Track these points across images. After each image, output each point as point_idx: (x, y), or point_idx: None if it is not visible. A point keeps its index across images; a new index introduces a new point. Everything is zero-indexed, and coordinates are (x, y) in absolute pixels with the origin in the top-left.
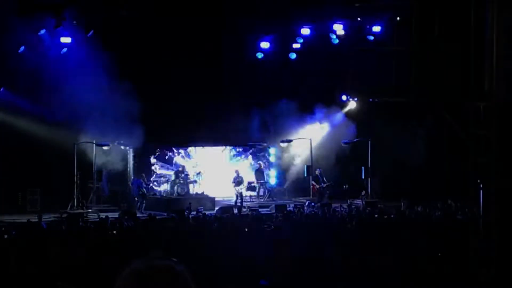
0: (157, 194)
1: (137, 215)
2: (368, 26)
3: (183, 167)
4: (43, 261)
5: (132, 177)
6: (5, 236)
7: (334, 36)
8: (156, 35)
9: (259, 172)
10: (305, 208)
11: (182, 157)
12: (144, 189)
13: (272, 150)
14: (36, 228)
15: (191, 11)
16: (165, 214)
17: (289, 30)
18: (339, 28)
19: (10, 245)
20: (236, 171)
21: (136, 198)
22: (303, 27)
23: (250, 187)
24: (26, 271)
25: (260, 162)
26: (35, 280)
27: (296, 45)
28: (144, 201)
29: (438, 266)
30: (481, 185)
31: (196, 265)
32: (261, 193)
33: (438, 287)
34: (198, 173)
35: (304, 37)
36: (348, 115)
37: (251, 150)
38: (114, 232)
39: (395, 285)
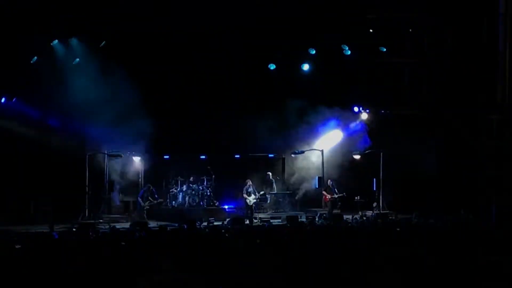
0: (169, 205)
1: (149, 226)
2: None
3: (194, 177)
4: (55, 271)
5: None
6: (17, 246)
7: (346, 48)
8: (167, 45)
9: (268, 183)
10: (317, 219)
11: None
12: (141, 199)
13: (283, 161)
14: (48, 238)
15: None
16: (176, 225)
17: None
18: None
19: (22, 255)
20: (248, 181)
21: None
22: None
23: (262, 198)
24: (37, 281)
25: (269, 172)
26: None
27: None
28: (144, 211)
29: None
30: (494, 197)
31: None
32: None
33: None
34: (210, 184)
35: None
36: (360, 126)
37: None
38: (124, 243)
39: None
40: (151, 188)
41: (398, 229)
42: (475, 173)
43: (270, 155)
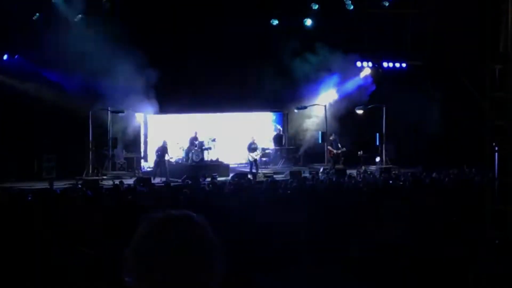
0: (173, 161)
1: (152, 182)
2: None
3: (196, 133)
4: (60, 226)
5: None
6: (23, 202)
7: (349, 2)
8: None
9: (278, 137)
10: (320, 174)
11: None
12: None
13: (287, 116)
14: (50, 194)
15: None
16: (180, 181)
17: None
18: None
19: (26, 210)
20: (252, 138)
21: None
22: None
23: (265, 154)
24: (43, 236)
25: (280, 127)
26: (54, 245)
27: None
28: (158, 169)
29: (454, 231)
30: (497, 148)
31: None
32: (278, 159)
33: (454, 251)
34: (213, 140)
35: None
36: (363, 80)
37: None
38: (129, 197)
39: (411, 250)
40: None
41: (401, 183)
42: (478, 124)
43: (273, 111)
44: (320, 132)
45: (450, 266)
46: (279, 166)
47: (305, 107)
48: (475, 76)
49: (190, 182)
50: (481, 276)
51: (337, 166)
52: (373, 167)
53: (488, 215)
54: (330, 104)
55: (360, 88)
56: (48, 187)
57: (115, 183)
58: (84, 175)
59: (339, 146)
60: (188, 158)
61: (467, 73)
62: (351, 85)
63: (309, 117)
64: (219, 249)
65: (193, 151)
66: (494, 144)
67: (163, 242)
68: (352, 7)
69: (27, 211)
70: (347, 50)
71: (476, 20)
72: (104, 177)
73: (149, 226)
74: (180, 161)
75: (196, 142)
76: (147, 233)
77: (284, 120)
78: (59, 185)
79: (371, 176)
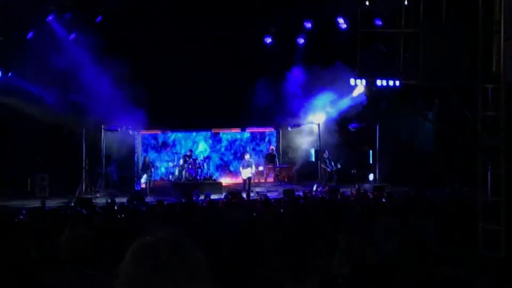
0: (165, 179)
1: (146, 200)
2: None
3: (191, 151)
4: (52, 245)
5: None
6: (15, 220)
7: (341, 21)
8: (160, 19)
9: (270, 157)
10: (313, 192)
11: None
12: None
13: (279, 134)
14: (42, 212)
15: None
16: (173, 199)
17: (293, 22)
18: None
19: (19, 229)
20: (244, 155)
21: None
22: (306, 21)
23: (259, 171)
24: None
25: (273, 147)
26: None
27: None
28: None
29: (446, 249)
30: (489, 168)
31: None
32: (270, 178)
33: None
34: (206, 158)
35: (310, 26)
36: (356, 99)
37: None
38: (123, 215)
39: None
40: (147, 159)
41: (394, 201)
42: (471, 144)
43: (267, 129)
44: (314, 150)
45: (441, 285)
46: (272, 185)
47: (299, 125)
48: (467, 95)
49: (183, 200)
50: None
51: (330, 184)
52: (366, 185)
53: (481, 234)
54: (324, 122)
55: (353, 106)
56: (40, 205)
57: (108, 201)
58: (77, 193)
59: (332, 164)
60: (181, 176)
61: (459, 93)
62: (344, 103)
63: (302, 135)
64: (205, 269)
65: (186, 169)
66: (486, 163)
67: (149, 267)
68: (345, 26)
69: (19, 230)
70: (340, 68)
71: (468, 40)
72: (98, 195)
73: (135, 252)
74: (172, 179)
75: (190, 160)
76: (133, 259)
77: (277, 137)
78: (52, 203)
79: (364, 194)
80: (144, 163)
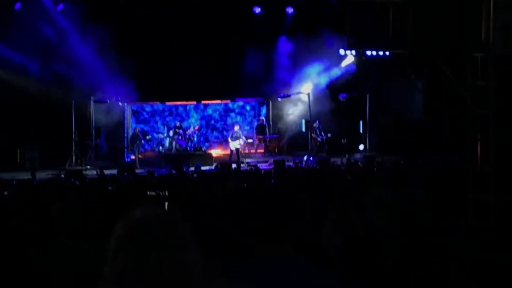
0: (155, 150)
1: (136, 172)
2: None
3: (181, 122)
4: (43, 218)
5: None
6: (5, 193)
7: None
8: None
9: (260, 127)
10: (303, 162)
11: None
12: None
13: (269, 105)
14: (33, 185)
15: None
16: (164, 170)
17: None
18: None
19: (9, 201)
20: (234, 126)
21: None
22: None
23: (248, 143)
24: (26, 228)
25: (263, 117)
26: (36, 237)
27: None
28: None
29: (437, 219)
30: (479, 137)
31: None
32: (261, 149)
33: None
34: (197, 129)
35: None
36: (346, 69)
37: (249, 105)
38: (113, 187)
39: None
40: (138, 132)
41: (384, 171)
42: (460, 113)
43: (256, 99)
44: (303, 120)
45: (432, 254)
46: (262, 155)
47: (289, 95)
48: (456, 65)
49: (174, 171)
50: (463, 264)
51: (321, 154)
52: (357, 155)
53: (470, 204)
54: (313, 92)
55: (343, 75)
56: (31, 177)
57: (98, 173)
58: (67, 165)
59: (323, 134)
60: (172, 147)
61: (449, 62)
62: (334, 73)
63: (292, 105)
64: (194, 246)
65: (176, 140)
66: (476, 133)
67: (136, 245)
68: None
69: (9, 202)
70: (330, 38)
71: (457, 9)
72: (88, 167)
73: (126, 228)
74: (163, 151)
75: (180, 131)
76: (120, 237)
77: (267, 108)
78: (42, 175)
79: (355, 164)
80: (133, 134)
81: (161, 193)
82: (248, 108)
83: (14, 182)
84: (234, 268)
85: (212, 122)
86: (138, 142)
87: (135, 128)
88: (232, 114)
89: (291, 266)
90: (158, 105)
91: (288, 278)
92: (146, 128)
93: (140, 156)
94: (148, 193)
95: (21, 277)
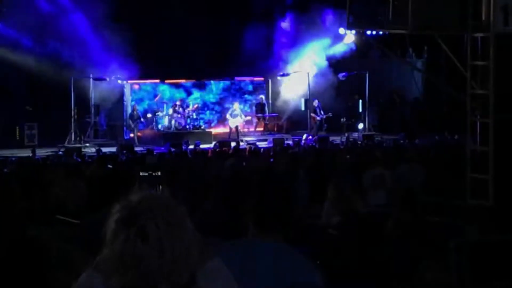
0: (155, 128)
1: (135, 149)
2: None
3: (182, 100)
4: (41, 195)
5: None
6: (5, 170)
7: None
8: None
9: (259, 106)
10: (302, 141)
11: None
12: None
13: (269, 83)
14: (32, 162)
15: None
16: (163, 148)
17: None
18: None
19: (8, 179)
20: (235, 104)
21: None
22: None
23: (248, 121)
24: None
25: (262, 96)
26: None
27: None
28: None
29: (435, 198)
30: (478, 117)
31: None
32: (260, 127)
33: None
34: (196, 108)
35: None
36: (345, 47)
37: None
38: (112, 165)
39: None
40: (135, 111)
41: (383, 150)
42: (460, 93)
43: (256, 78)
44: (303, 99)
45: (431, 234)
46: (261, 134)
47: (288, 74)
48: (456, 44)
49: (173, 149)
50: (462, 243)
51: (320, 133)
52: (356, 134)
53: (469, 183)
54: (313, 71)
55: (342, 54)
56: (31, 155)
57: (97, 150)
58: (66, 143)
59: (322, 112)
60: (171, 125)
61: (449, 41)
62: (333, 51)
63: (292, 84)
64: (191, 227)
65: (175, 118)
66: (475, 112)
67: (133, 229)
68: None
69: (8, 179)
70: (330, 16)
71: None
72: (87, 144)
73: (122, 211)
74: (162, 129)
75: (179, 110)
76: (117, 221)
77: (266, 87)
78: (41, 152)
79: (354, 142)
80: (132, 111)
81: (153, 173)
82: (247, 86)
83: (13, 159)
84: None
85: (212, 100)
86: (137, 119)
87: (133, 105)
88: (231, 92)
89: (275, 254)
90: (157, 84)
91: (266, 266)
92: (146, 106)
93: (139, 134)
94: (140, 173)
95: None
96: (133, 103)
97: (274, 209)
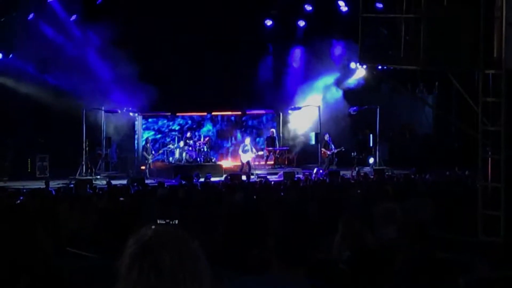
0: (166, 161)
1: (146, 182)
2: None
3: (192, 133)
4: (53, 226)
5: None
6: (17, 201)
7: (342, 4)
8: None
9: (270, 140)
10: (313, 175)
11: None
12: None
13: (280, 117)
14: (45, 193)
15: None
16: (174, 181)
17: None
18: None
19: (20, 210)
20: (244, 139)
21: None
22: (306, 4)
23: (259, 155)
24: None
25: (273, 129)
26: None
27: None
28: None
29: (446, 233)
30: (490, 153)
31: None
32: (271, 161)
33: (445, 253)
34: (207, 140)
35: (310, 9)
36: (356, 82)
37: (261, 118)
38: (123, 198)
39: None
40: (148, 143)
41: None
42: (471, 129)
43: (267, 111)
44: (314, 133)
45: (442, 269)
46: (272, 167)
47: (299, 108)
48: (468, 80)
49: (184, 182)
50: (472, 280)
51: (330, 167)
52: (366, 168)
53: (480, 219)
54: (324, 105)
55: (354, 89)
56: (44, 186)
57: (108, 183)
58: (77, 175)
59: (333, 146)
60: (182, 158)
61: (460, 77)
62: (344, 85)
63: (302, 117)
64: (204, 263)
65: (186, 151)
66: (486, 148)
67: (147, 263)
68: (346, 9)
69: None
70: (341, 51)
71: (469, 26)
72: (98, 176)
73: (136, 246)
74: (173, 161)
75: (190, 142)
76: (131, 255)
77: (277, 120)
78: (52, 184)
79: (364, 176)
80: (145, 144)
81: (170, 222)
82: (258, 120)
83: (24, 190)
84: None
85: (223, 133)
86: (150, 152)
87: (147, 138)
88: (242, 126)
89: None
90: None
91: None
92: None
93: (150, 166)
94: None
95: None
96: (146, 135)
97: (296, 244)
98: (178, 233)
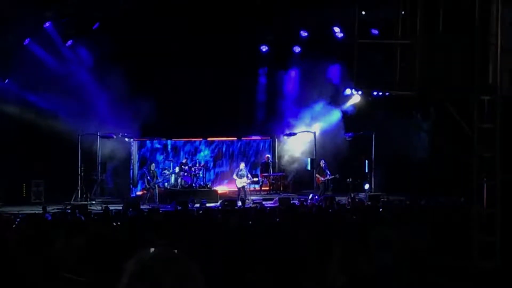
0: (161, 186)
1: (141, 207)
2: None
3: (187, 159)
4: (47, 252)
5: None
6: (13, 226)
7: (337, 30)
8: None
9: (265, 165)
10: (309, 201)
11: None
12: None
13: (275, 142)
14: (41, 219)
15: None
16: (169, 206)
17: (289, 31)
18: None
19: (15, 235)
20: (241, 164)
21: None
22: (302, 30)
23: (254, 181)
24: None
25: (268, 155)
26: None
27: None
28: (148, 193)
29: (442, 259)
30: (485, 179)
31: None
32: (266, 186)
33: (440, 279)
34: (202, 166)
35: (306, 35)
36: (351, 108)
37: (255, 143)
38: (118, 223)
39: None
40: (150, 168)
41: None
42: (466, 155)
43: (262, 137)
44: (309, 159)
45: None
46: (267, 193)
47: (294, 134)
48: (463, 106)
49: (179, 208)
50: None
51: (326, 193)
52: (362, 194)
53: (475, 245)
54: (319, 131)
55: (349, 115)
56: (41, 211)
57: (104, 208)
58: (72, 200)
59: (329, 172)
60: (177, 183)
61: (455, 103)
62: (340, 112)
63: (298, 143)
64: (202, 281)
65: (181, 177)
66: (481, 174)
67: (148, 281)
68: (341, 35)
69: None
70: (336, 77)
71: (464, 52)
72: (93, 202)
73: (131, 272)
74: (168, 187)
75: (186, 168)
76: (130, 279)
77: (272, 146)
78: (47, 209)
79: (360, 203)
80: (151, 169)
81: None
82: (253, 145)
83: (20, 215)
84: None
85: (219, 159)
86: (154, 178)
87: (151, 164)
88: (237, 152)
89: None
90: (165, 141)
91: None
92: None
93: (145, 191)
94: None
95: None
96: (150, 162)
97: (289, 269)
98: (177, 255)
